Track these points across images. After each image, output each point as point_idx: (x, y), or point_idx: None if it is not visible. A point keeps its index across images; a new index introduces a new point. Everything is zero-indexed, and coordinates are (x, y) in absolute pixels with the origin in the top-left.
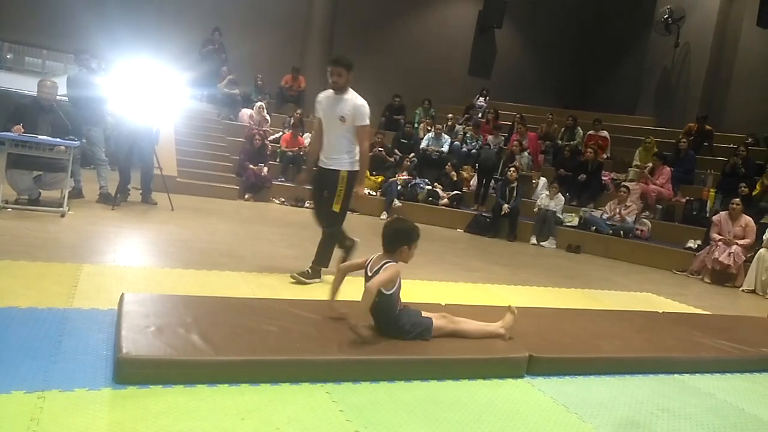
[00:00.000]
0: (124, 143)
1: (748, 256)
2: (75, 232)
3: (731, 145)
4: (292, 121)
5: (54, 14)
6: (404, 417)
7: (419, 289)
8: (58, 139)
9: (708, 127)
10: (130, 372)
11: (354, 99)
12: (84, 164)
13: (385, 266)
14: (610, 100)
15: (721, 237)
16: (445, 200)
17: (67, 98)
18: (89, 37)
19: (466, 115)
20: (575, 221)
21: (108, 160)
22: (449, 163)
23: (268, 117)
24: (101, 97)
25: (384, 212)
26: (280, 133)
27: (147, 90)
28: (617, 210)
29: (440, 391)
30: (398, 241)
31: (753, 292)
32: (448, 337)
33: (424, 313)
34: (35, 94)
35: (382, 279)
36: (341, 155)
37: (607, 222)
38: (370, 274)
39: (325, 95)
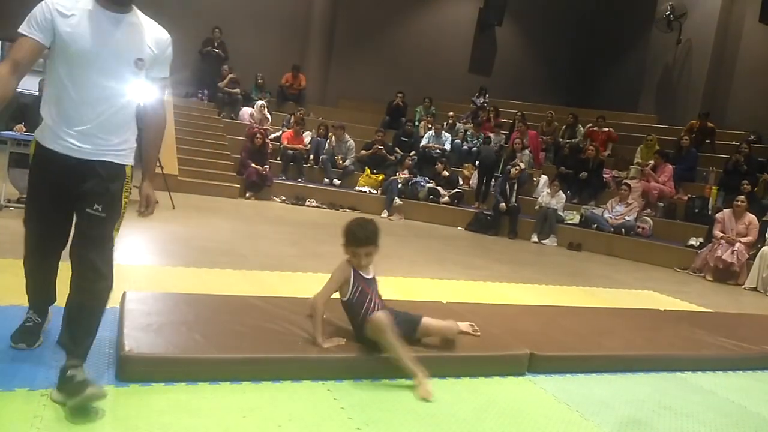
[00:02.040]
0: None
1: (751, 253)
2: None
3: (733, 143)
4: (292, 119)
5: None
6: (406, 415)
7: (420, 288)
8: None
9: (710, 124)
10: (133, 369)
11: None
12: None
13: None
14: (611, 98)
15: (723, 235)
16: (446, 198)
17: None
18: None
19: (469, 113)
20: (576, 219)
21: None
22: (439, 162)
23: (268, 115)
24: None
25: (385, 210)
26: (281, 132)
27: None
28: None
29: (441, 389)
30: (366, 239)
31: (755, 289)
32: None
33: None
34: (37, 93)
35: (324, 288)
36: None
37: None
38: None
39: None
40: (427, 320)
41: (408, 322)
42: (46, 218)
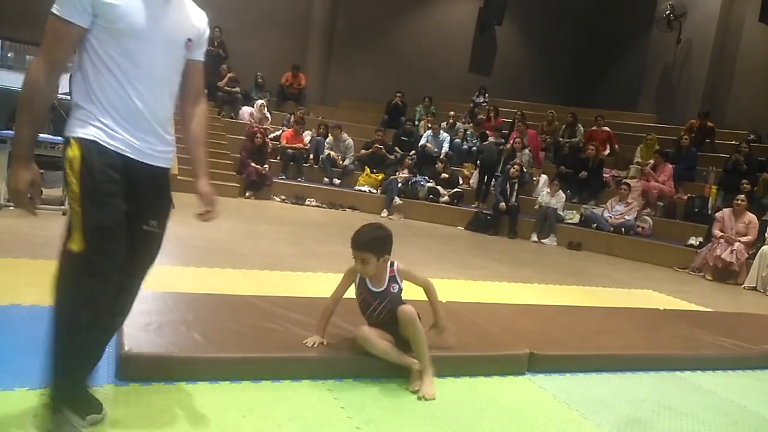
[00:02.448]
0: None
1: (751, 253)
2: None
3: (733, 142)
4: (292, 118)
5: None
6: (406, 414)
7: (420, 288)
8: (59, 138)
9: (710, 123)
10: (132, 368)
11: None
12: None
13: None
14: (611, 97)
15: (722, 234)
16: (446, 198)
17: (69, 97)
18: None
19: (467, 112)
20: (576, 218)
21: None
22: (439, 161)
23: (268, 115)
24: None
25: (385, 210)
26: (281, 131)
27: None
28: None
29: (441, 388)
30: (385, 248)
31: (755, 289)
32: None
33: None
34: None
35: (335, 289)
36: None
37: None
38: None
39: None
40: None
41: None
42: (116, 239)
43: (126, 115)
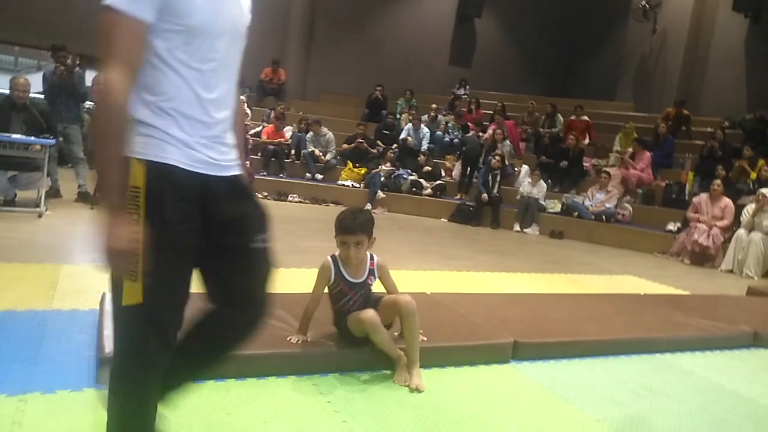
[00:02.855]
0: None
1: (726, 236)
2: (53, 232)
3: (708, 129)
4: (272, 114)
5: (27, 10)
6: (392, 406)
7: (404, 279)
8: (32, 138)
9: (685, 111)
10: None
11: None
12: (62, 163)
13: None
14: (590, 87)
15: (694, 215)
16: (429, 190)
17: (43, 96)
18: (64, 33)
19: (447, 104)
20: (558, 207)
21: (86, 158)
22: (421, 154)
23: (248, 110)
24: (78, 94)
25: (368, 204)
26: (261, 127)
27: None
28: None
29: (427, 379)
30: (371, 229)
31: (731, 271)
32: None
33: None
34: (7, 92)
35: (312, 292)
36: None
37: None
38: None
39: None
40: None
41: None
42: (177, 284)
43: (201, 127)
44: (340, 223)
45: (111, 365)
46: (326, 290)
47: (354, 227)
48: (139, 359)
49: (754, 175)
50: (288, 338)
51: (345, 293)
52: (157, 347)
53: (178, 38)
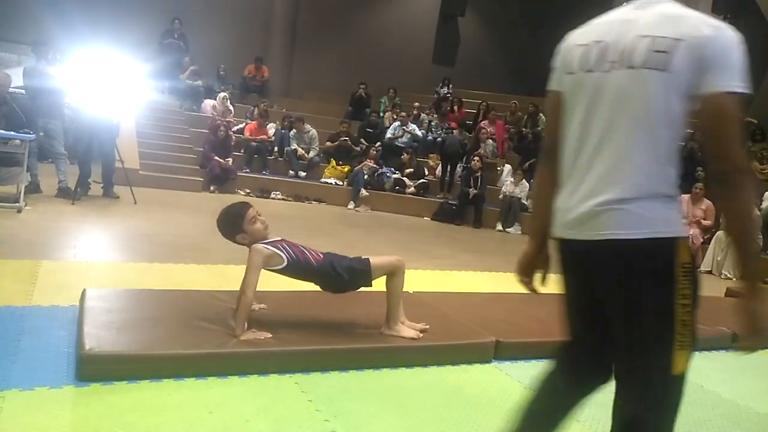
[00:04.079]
0: (83, 136)
1: (706, 238)
2: (33, 227)
3: (688, 131)
4: (256, 111)
5: (6, 3)
6: (374, 405)
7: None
8: (12, 133)
9: None
10: (93, 368)
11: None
12: (42, 158)
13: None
14: None
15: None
16: (412, 189)
17: (24, 90)
18: (44, 27)
19: (432, 103)
20: None
21: (67, 154)
22: (404, 152)
23: (231, 107)
24: (59, 88)
25: (351, 202)
26: (244, 124)
27: (106, 81)
28: None
29: (409, 378)
30: (233, 228)
31: (710, 272)
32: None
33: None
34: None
35: (247, 274)
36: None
37: None
38: None
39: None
40: (373, 261)
41: (361, 273)
42: None
43: None
44: (242, 208)
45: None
46: (282, 265)
47: (247, 204)
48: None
49: None
50: (243, 338)
51: (297, 245)
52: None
53: None
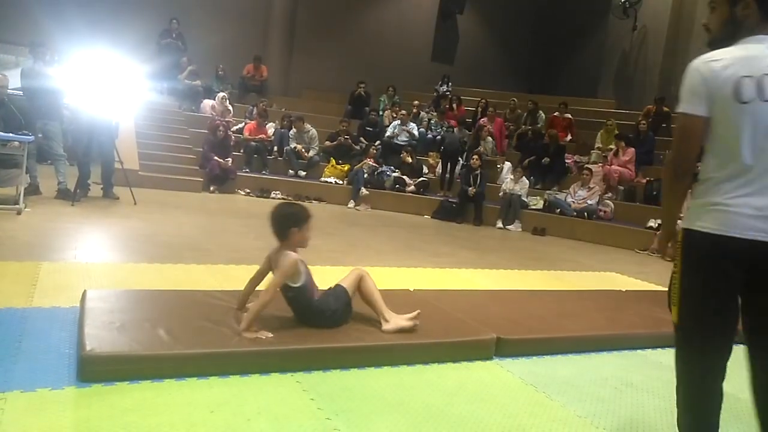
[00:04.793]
0: (82, 137)
1: None
2: (33, 229)
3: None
4: (255, 110)
5: (4, 5)
6: (375, 403)
7: (387, 276)
8: (10, 134)
9: (665, 108)
10: (95, 369)
11: None
12: (41, 159)
13: (282, 259)
14: (572, 84)
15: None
16: (412, 187)
17: (22, 92)
18: (43, 28)
19: (432, 102)
20: (540, 204)
21: (66, 155)
22: (403, 150)
23: (230, 107)
24: (57, 89)
25: (351, 201)
26: (243, 124)
27: (105, 82)
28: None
29: (410, 376)
30: (285, 224)
31: None
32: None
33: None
34: None
35: (279, 275)
36: None
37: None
38: (275, 269)
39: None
40: (345, 286)
41: (341, 294)
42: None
43: None
44: (302, 212)
45: None
46: (297, 283)
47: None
48: None
49: None
50: (250, 337)
51: (310, 275)
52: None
53: None
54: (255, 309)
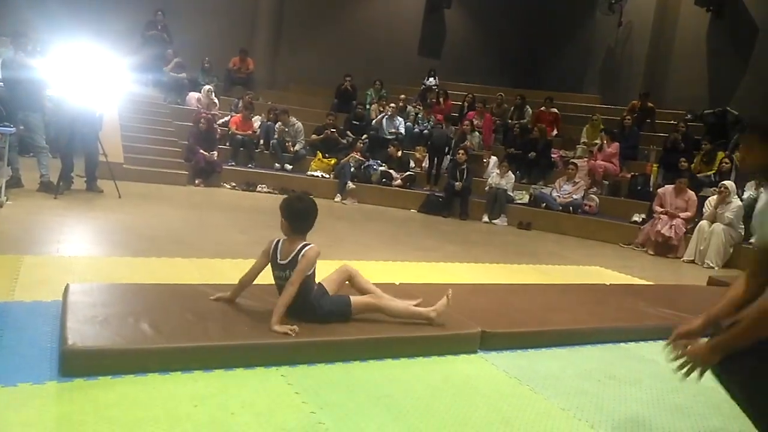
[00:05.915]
0: (64, 129)
1: (689, 228)
2: (14, 222)
3: (672, 122)
4: (240, 103)
5: None
6: (360, 396)
7: (373, 270)
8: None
9: (650, 104)
10: (77, 363)
11: None
12: (23, 152)
13: (303, 251)
14: (558, 79)
15: (662, 209)
16: (399, 181)
17: (2, 82)
18: (24, 18)
19: (418, 95)
20: (526, 199)
21: (48, 147)
22: (391, 145)
23: (216, 100)
24: (39, 81)
25: (338, 194)
26: (229, 117)
27: (88, 74)
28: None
29: (395, 370)
30: (309, 219)
31: (693, 262)
32: (373, 312)
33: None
34: None
35: (305, 265)
36: None
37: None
38: (284, 261)
39: None
40: (354, 300)
41: (342, 304)
42: None
43: None
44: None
45: None
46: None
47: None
48: None
49: (714, 169)
50: (281, 330)
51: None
52: None
53: None
54: (284, 302)
